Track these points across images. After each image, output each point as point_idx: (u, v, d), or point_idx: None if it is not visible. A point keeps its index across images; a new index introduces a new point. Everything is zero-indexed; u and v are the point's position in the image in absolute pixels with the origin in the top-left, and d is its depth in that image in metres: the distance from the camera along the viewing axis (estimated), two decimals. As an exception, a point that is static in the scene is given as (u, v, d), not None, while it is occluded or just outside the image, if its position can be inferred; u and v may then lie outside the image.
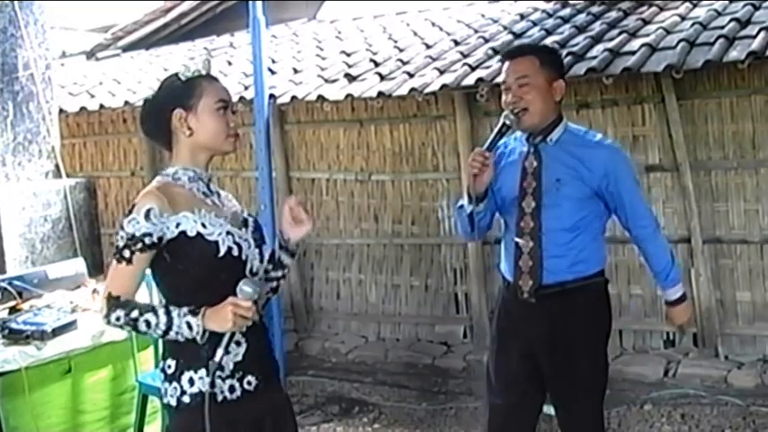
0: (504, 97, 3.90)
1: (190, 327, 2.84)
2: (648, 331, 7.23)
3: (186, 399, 2.94)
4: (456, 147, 7.66)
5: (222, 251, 2.93)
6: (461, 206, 3.95)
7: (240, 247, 3.00)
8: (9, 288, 5.10)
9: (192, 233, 2.89)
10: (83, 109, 8.94)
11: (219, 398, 2.94)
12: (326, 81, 7.89)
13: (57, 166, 7.04)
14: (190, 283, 2.93)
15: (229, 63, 9.66)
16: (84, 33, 12.93)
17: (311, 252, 8.66)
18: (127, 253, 2.85)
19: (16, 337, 4.59)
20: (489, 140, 3.81)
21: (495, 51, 7.54)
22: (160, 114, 3.03)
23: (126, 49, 11.88)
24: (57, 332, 4.66)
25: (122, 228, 2.87)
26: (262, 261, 3.12)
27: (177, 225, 2.89)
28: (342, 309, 8.54)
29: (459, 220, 4.07)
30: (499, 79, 4.08)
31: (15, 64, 6.78)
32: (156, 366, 5.12)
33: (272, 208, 7.06)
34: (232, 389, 2.97)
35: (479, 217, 3.90)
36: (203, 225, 2.92)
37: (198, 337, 2.86)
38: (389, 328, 8.27)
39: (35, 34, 6.96)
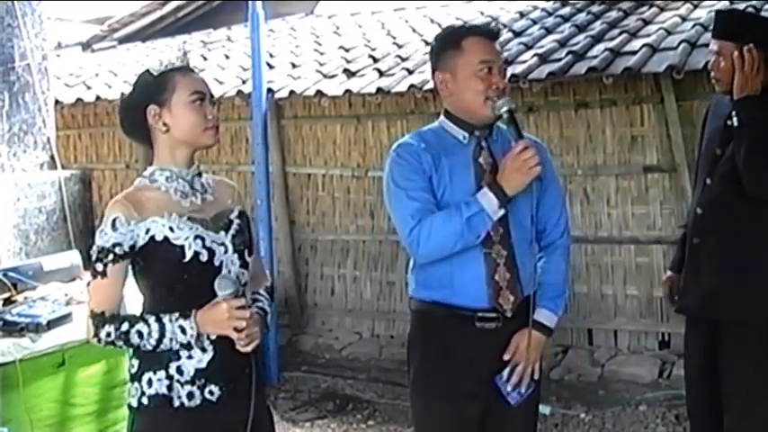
0: (481, 81, 3.31)
1: (183, 331, 2.81)
2: (644, 332, 7.21)
3: (145, 400, 2.90)
4: (454, 144, 7.63)
5: (188, 256, 2.86)
6: (477, 213, 3.23)
7: (212, 252, 2.92)
8: (4, 279, 5.06)
9: (159, 237, 2.84)
10: (79, 100, 8.90)
11: (176, 403, 2.89)
12: (325, 76, 7.87)
13: (52, 157, 7.02)
14: (161, 287, 2.89)
15: (227, 57, 9.63)
16: (79, 24, 12.89)
17: (306, 248, 8.64)
18: (100, 266, 2.81)
19: (11, 329, 4.55)
20: (516, 132, 3.26)
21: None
22: (135, 112, 2.95)
23: (122, 40, 11.85)
24: (52, 325, 4.62)
25: (94, 242, 2.83)
26: (244, 266, 3.04)
27: (147, 231, 2.83)
28: (336, 305, 8.51)
29: (464, 231, 3.24)
30: (481, 55, 3.32)
31: (12, 54, 6.76)
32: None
33: (267, 203, 7.06)
34: (191, 396, 2.90)
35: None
36: (171, 229, 2.85)
37: (193, 341, 2.83)
38: (384, 325, 8.24)
39: (32, 25, 6.94)
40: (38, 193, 6.74)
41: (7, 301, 4.95)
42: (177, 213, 2.89)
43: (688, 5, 7.79)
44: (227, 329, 2.82)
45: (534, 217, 3.43)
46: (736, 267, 3.99)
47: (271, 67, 8.33)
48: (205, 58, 9.65)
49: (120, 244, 2.79)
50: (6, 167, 6.66)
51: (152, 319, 2.81)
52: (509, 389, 3.39)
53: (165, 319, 2.80)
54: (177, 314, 2.81)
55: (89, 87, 9.24)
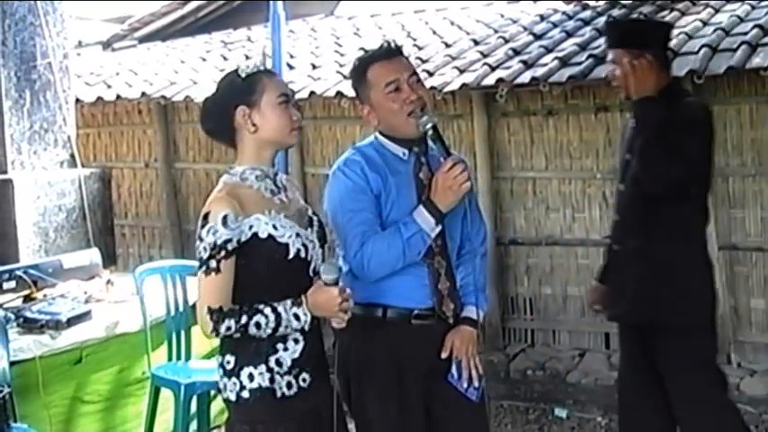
0: (393, 101, 3.42)
1: (298, 318, 2.93)
2: (661, 337, 7.19)
3: (246, 394, 3.00)
4: (473, 146, 7.63)
5: (292, 253, 2.99)
6: (416, 233, 3.33)
7: (307, 249, 3.04)
8: (24, 276, 5.10)
9: (263, 235, 2.95)
10: (99, 99, 8.93)
11: (278, 394, 3.00)
12: (345, 77, 7.83)
13: (72, 155, 7.04)
14: (260, 283, 2.97)
15: (247, 57, 9.62)
16: (100, 23, 12.92)
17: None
18: (213, 263, 2.89)
19: (31, 325, 4.59)
20: (443, 148, 3.37)
21: (516, 52, 7.52)
22: (223, 113, 3.08)
23: (142, 40, 11.86)
24: (71, 322, 4.66)
25: (201, 239, 2.91)
26: (323, 261, 3.14)
27: (250, 227, 2.93)
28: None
29: (405, 252, 3.35)
30: (383, 79, 3.45)
31: (33, 53, 6.78)
32: (170, 359, 5.15)
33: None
34: (290, 385, 3.02)
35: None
36: (274, 227, 2.97)
37: (306, 326, 2.96)
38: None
39: (53, 23, 6.96)
40: (58, 191, 6.76)
41: (27, 299, 4.99)
42: (275, 211, 3.01)
43: (709, 10, 7.76)
44: (337, 313, 2.97)
45: (462, 229, 3.57)
46: (656, 271, 4.12)
47: (291, 67, 8.33)
48: (225, 58, 9.65)
49: (230, 240, 2.89)
50: (27, 165, 6.68)
51: (268, 310, 2.91)
52: (465, 385, 3.52)
53: (280, 308, 2.92)
54: (290, 303, 2.93)
55: (109, 86, 9.26)
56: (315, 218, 3.19)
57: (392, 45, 3.56)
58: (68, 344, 4.64)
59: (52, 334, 4.56)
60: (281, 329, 2.92)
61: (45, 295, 5.06)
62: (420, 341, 3.48)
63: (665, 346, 4.15)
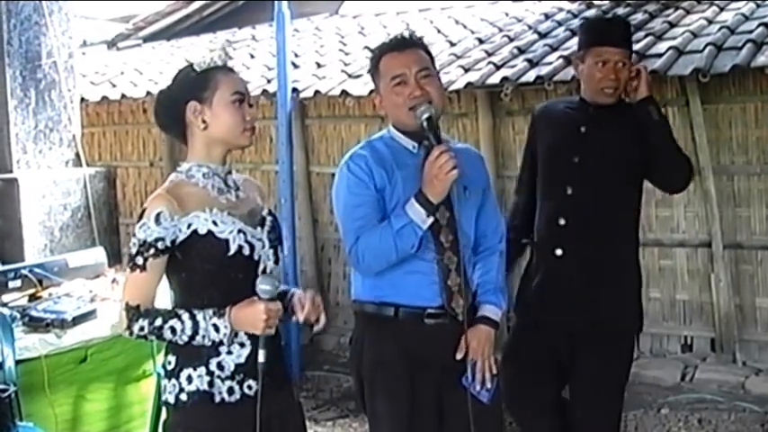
0: (397, 95, 3.43)
1: (217, 329, 2.83)
2: (666, 335, 7.18)
3: (184, 396, 2.92)
4: (478, 145, 7.60)
5: (233, 249, 2.89)
6: (406, 225, 3.30)
7: (252, 247, 2.95)
8: (29, 275, 5.09)
9: (202, 231, 2.86)
10: (104, 98, 8.91)
11: (217, 399, 2.91)
12: (350, 76, 7.86)
13: (77, 154, 7.07)
14: (200, 281, 2.91)
15: (252, 56, 9.65)
16: (104, 23, 12.93)
17: (329, 248, 8.63)
18: (140, 260, 2.82)
19: (36, 324, 4.58)
20: (434, 138, 3.32)
21: (521, 50, 7.52)
22: (174, 107, 2.99)
23: (147, 39, 11.88)
24: (77, 321, 4.64)
25: (134, 234, 2.83)
26: (277, 262, 3.08)
27: (189, 225, 2.86)
28: (358, 305, 8.47)
29: (396, 244, 3.33)
30: (391, 72, 3.47)
31: (39, 52, 6.81)
32: (175, 358, 5.13)
33: (291, 202, 7.07)
34: (231, 391, 2.93)
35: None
36: (214, 223, 2.88)
37: (225, 340, 2.85)
38: (405, 326, 8.21)
39: (59, 23, 6.99)
40: (63, 190, 6.79)
41: (33, 297, 4.98)
42: (218, 208, 2.92)
43: (714, 8, 7.75)
44: (262, 330, 2.83)
45: (475, 225, 3.59)
46: (607, 276, 4.12)
47: (296, 66, 8.33)
48: (230, 57, 9.64)
49: (162, 239, 2.81)
50: (32, 164, 6.71)
51: (186, 316, 2.82)
52: (478, 388, 3.47)
53: (199, 316, 2.82)
54: (211, 312, 2.83)
55: (114, 85, 9.26)
56: (269, 218, 3.11)
57: (407, 36, 3.57)
58: (74, 343, 4.63)
59: (58, 333, 4.55)
60: (198, 338, 2.83)
61: (50, 294, 5.05)
62: (433, 341, 3.45)
63: (599, 348, 4.14)
